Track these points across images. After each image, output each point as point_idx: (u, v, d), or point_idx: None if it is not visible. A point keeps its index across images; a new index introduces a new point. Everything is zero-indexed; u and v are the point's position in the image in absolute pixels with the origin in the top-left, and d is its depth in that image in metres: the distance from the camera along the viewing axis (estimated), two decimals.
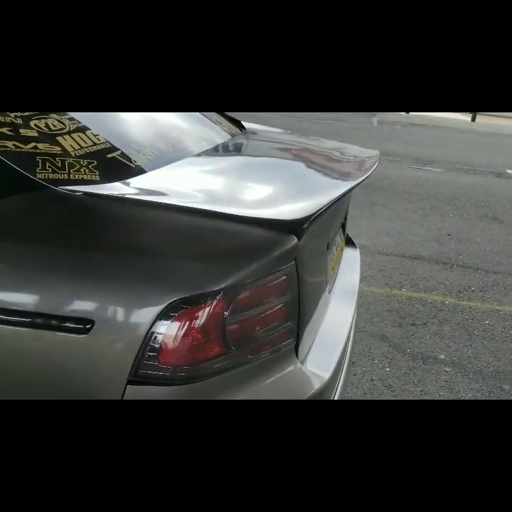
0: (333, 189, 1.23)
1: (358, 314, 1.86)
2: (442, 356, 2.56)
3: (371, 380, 2.34)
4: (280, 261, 1.03)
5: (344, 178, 1.41)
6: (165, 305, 0.92)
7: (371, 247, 3.87)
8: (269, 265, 1.01)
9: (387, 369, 2.42)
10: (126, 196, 1.11)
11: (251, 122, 2.04)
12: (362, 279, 3.13)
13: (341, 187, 1.25)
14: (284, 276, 1.05)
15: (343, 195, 1.20)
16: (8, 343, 0.94)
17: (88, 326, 0.92)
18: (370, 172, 1.37)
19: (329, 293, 1.52)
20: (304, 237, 1.06)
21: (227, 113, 2.08)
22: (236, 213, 1.07)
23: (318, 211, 1.08)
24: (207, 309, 0.94)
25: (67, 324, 0.92)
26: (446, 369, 2.46)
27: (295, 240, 1.04)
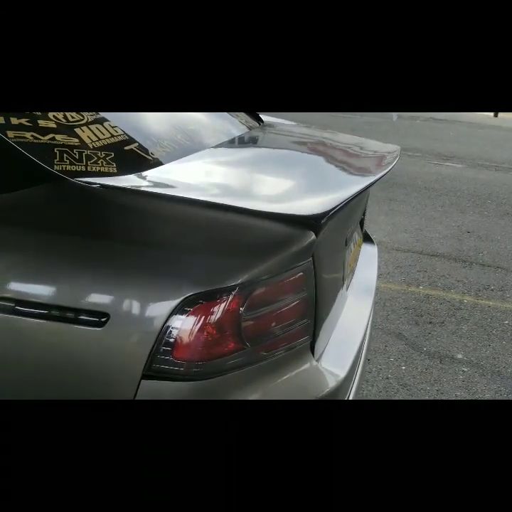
0: (352, 184, 1.21)
1: (374, 311, 1.84)
2: (460, 355, 2.52)
3: (387, 378, 2.31)
4: (297, 257, 1.01)
5: (363, 174, 1.38)
6: (181, 299, 0.91)
7: (389, 243, 3.82)
8: (286, 261, 0.99)
9: (403, 367, 2.39)
10: (143, 189, 1.10)
11: (263, 115, 2.02)
12: (379, 276, 3.10)
13: (360, 182, 1.22)
14: (301, 273, 1.03)
15: (363, 191, 1.17)
16: (23, 335, 0.94)
17: (103, 319, 0.92)
18: (390, 168, 1.35)
19: (347, 290, 1.50)
20: (321, 233, 1.04)
21: None
22: (253, 208, 1.06)
23: (336, 207, 1.06)
24: (223, 305, 0.93)
25: (82, 317, 0.92)
26: (463, 369, 2.42)
27: (313, 236, 1.02)
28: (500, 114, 11.70)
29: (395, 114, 10.45)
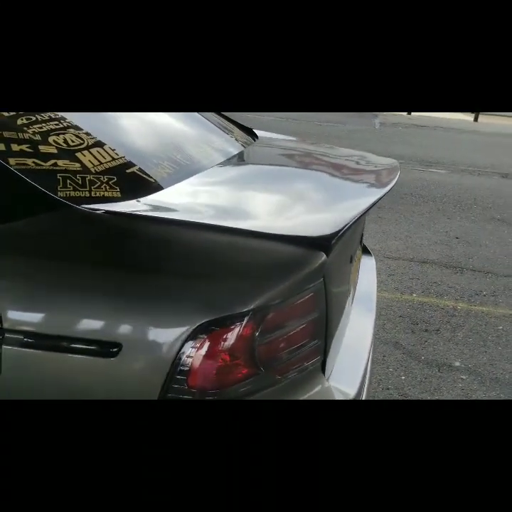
0: (359, 201, 1.21)
1: None
2: (457, 363, 2.53)
3: (387, 388, 2.31)
4: (309, 279, 1.01)
5: (368, 189, 1.39)
6: (194, 327, 0.90)
7: (380, 251, 3.84)
8: (298, 284, 0.99)
9: (403, 377, 2.39)
10: (150, 214, 1.08)
11: (253, 127, 2.02)
12: None
13: (367, 199, 1.22)
14: (312, 294, 1.02)
15: (370, 208, 1.17)
16: (33, 368, 0.92)
17: (115, 349, 0.90)
18: (393, 183, 1.35)
19: (351, 304, 1.49)
20: (332, 253, 1.04)
21: (237, 121, 2.06)
22: (262, 230, 1.05)
23: (346, 226, 1.06)
24: (236, 331, 0.92)
25: (93, 347, 0.90)
26: (462, 376, 2.43)
27: (324, 257, 1.01)
28: (480, 119, 11.92)
29: (377, 122, 10.58)
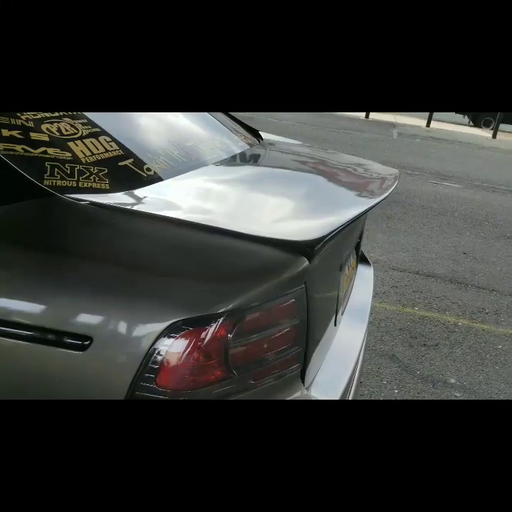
0: (349, 209, 1.18)
1: (368, 332, 1.80)
2: (453, 380, 2.49)
3: None
4: (289, 284, 0.98)
5: (361, 198, 1.36)
6: (166, 325, 0.88)
7: (386, 262, 3.81)
8: (277, 288, 0.97)
9: (395, 391, 2.36)
10: (133, 208, 1.07)
11: (267, 129, 2.01)
12: (375, 295, 3.07)
13: (357, 207, 1.20)
14: (293, 300, 1.00)
15: (359, 216, 1.15)
16: (2, 355, 0.91)
17: (86, 343, 0.88)
18: (388, 193, 1.32)
19: (341, 314, 1.47)
20: (315, 259, 1.01)
21: (252, 123, 2.05)
22: (245, 231, 1.03)
23: (331, 233, 1.04)
24: (210, 332, 0.90)
25: (64, 339, 0.89)
26: (456, 394, 2.39)
27: (306, 262, 0.99)
28: (499, 136, 11.79)
29: (395, 132, 10.52)
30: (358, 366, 1.49)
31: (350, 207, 1.21)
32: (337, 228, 1.05)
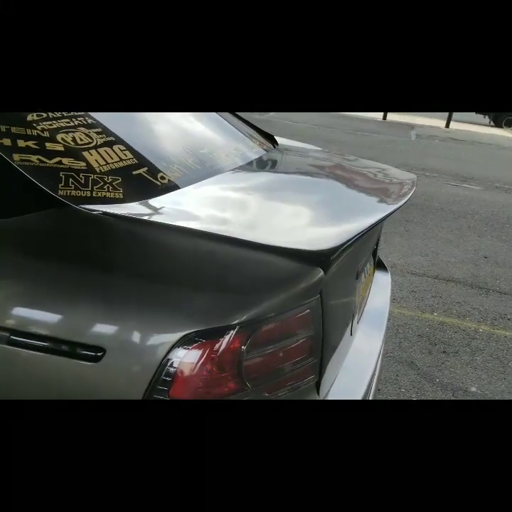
0: (366, 217, 1.16)
1: (386, 338, 1.77)
2: (473, 388, 2.44)
3: None
4: (304, 295, 0.97)
5: (378, 205, 1.34)
6: (180, 337, 0.87)
7: (404, 266, 3.75)
8: (292, 299, 0.95)
9: (414, 399, 2.32)
10: (146, 218, 1.07)
11: (284, 132, 1.99)
12: (392, 301, 3.03)
13: (374, 215, 1.18)
14: (308, 310, 0.99)
15: (375, 224, 1.13)
16: (17, 367, 0.91)
17: (100, 354, 0.88)
18: (405, 199, 1.30)
19: (357, 322, 1.45)
20: (330, 268, 1.00)
21: (261, 127, 2.04)
22: (260, 241, 1.02)
23: (346, 242, 1.02)
24: (223, 344, 0.89)
25: (78, 350, 0.89)
26: None
27: (321, 273, 0.98)
28: None
29: (413, 133, 10.41)
30: (376, 375, 1.47)
31: (366, 215, 1.19)
32: (353, 237, 1.03)
